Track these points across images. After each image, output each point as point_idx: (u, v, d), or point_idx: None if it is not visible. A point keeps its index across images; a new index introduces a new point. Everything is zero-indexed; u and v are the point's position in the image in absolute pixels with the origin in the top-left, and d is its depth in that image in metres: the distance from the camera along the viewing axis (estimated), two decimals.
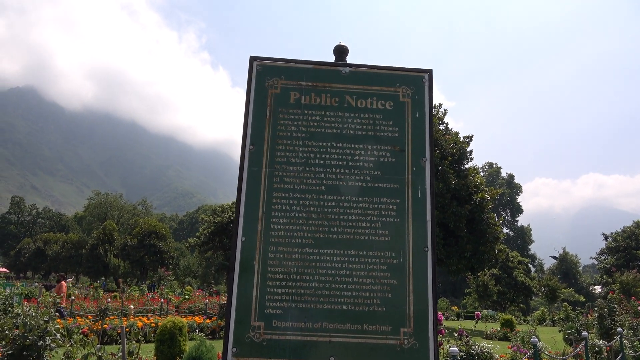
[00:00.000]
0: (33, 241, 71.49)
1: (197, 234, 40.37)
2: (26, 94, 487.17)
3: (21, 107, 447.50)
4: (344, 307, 2.19)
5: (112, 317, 14.05)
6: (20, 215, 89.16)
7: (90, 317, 13.30)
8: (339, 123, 2.50)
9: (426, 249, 2.31)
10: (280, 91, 2.53)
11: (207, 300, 19.16)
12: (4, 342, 5.80)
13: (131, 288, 26.85)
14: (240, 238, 2.28)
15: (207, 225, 38.52)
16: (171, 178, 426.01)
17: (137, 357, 4.05)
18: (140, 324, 13.81)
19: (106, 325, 12.66)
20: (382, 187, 2.40)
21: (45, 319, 5.66)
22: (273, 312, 2.16)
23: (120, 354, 4.05)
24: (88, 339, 4.10)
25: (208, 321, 15.32)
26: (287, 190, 2.35)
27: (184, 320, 9.97)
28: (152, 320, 14.39)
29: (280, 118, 2.48)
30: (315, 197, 2.35)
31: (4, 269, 60.36)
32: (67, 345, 5.22)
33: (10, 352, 5.39)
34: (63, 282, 14.36)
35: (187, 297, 21.86)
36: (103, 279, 60.03)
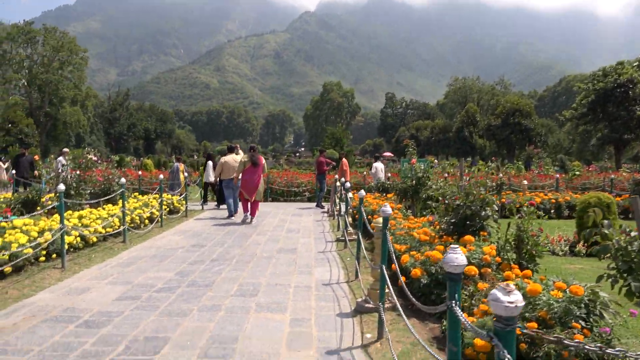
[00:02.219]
0: (407, 129, 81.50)
1: (573, 105, 35.53)
2: (381, 0, 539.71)
3: (378, 14, 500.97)
4: None
5: (506, 192, 13.65)
6: (393, 109, 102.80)
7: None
8: None
9: None
10: None
11: (613, 175, 16.30)
12: (443, 217, 5.77)
13: (506, 166, 26.37)
14: None
15: (584, 94, 33.17)
16: (523, 53, 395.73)
17: None
18: (537, 199, 12.85)
19: (503, 200, 12.28)
20: None
21: (482, 191, 5.21)
22: None
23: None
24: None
25: (617, 199, 12.87)
26: None
27: (610, 196, 8.20)
28: (549, 197, 13.19)
29: None
30: None
31: (389, 154, 71.80)
32: (516, 218, 4.54)
33: (453, 220, 5.25)
34: (344, 160, 14.36)
35: (577, 172, 19.45)
36: (470, 158, 62.84)
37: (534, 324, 2.97)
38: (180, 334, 4.02)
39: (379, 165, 14.48)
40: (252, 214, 10.96)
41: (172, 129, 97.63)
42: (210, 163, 14.66)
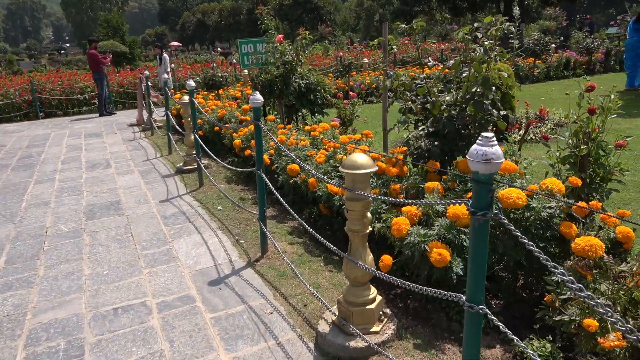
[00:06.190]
0: (192, 14, 73.45)
1: None
2: None
3: None
4: None
5: (352, 74, 11.95)
6: None
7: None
8: None
9: None
10: None
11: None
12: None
13: (312, 46, 24.93)
14: None
15: None
16: None
17: None
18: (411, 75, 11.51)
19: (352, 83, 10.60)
20: None
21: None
22: None
23: None
24: None
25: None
26: None
27: None
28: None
29: None
30: None
31: (177, 43, 64.37)
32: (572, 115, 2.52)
33: (432, 130, 2.98)
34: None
35: (394, 47, 19.03)
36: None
37: None
38: None
39: (167, 57, 11.58)
40: None
41: None
42: None
